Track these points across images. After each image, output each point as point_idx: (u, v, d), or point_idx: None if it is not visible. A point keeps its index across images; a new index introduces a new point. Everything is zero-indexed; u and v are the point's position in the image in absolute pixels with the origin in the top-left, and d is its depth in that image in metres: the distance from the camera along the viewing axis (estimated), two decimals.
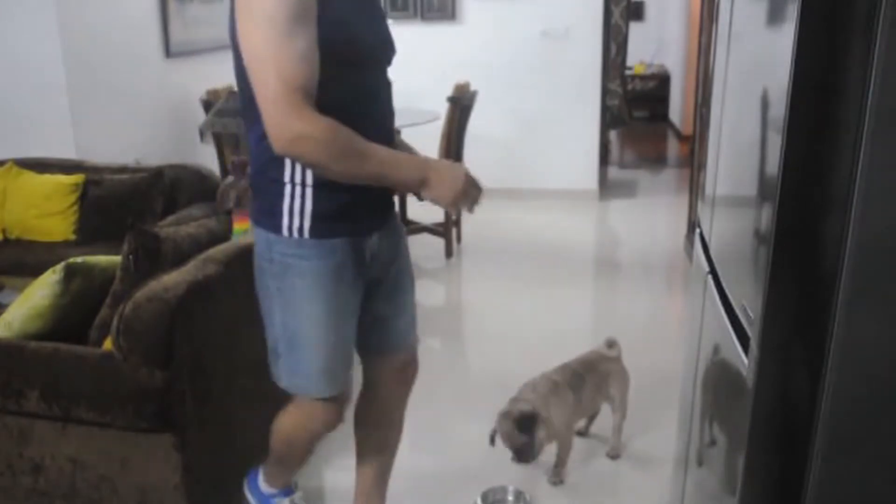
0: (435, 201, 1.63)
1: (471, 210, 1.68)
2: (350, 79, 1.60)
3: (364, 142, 1.54)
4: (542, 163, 6.09)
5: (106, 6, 4.35)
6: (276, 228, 1.66)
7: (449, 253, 4.80)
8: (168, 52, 4.86)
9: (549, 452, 2.48)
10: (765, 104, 1.27)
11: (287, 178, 1.64)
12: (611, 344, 2.65)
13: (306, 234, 1.65)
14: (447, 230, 4.76)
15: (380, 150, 1.57)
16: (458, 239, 5.01)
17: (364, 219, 1.74)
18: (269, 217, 1.68)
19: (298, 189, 1.64)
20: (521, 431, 2.24)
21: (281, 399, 2.55)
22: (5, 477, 2.19)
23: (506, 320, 3.93)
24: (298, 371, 1.78)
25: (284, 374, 1.81)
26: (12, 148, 3.84)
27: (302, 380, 1.79)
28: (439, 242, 4.79)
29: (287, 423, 1.93)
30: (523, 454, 2.27)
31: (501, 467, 2.41)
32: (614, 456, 2.64)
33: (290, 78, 1.46)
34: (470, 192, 1.64)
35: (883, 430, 1.14)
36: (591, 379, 2.53)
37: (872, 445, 1.15)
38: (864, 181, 1.05)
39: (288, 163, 1.62)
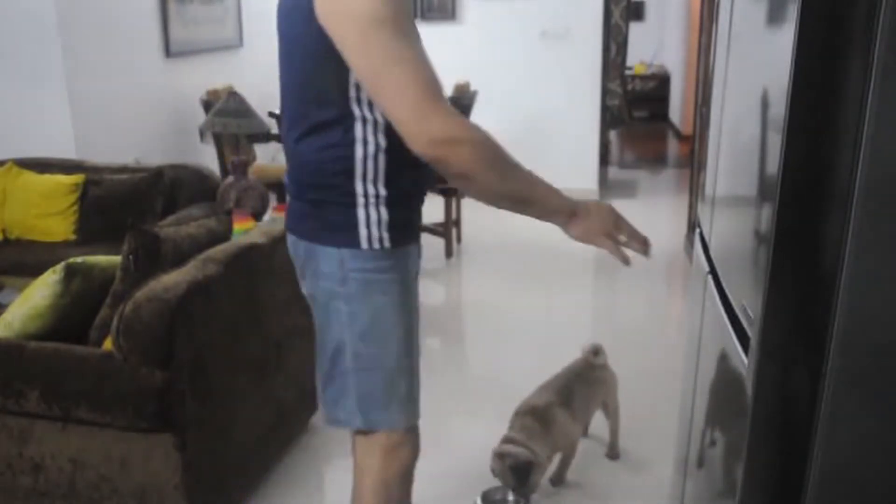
0: (585, 236, 1.51)
1: (646, 253, 1.53)
2: None
3: (512, 156, 1.43)
4: (541, 163, 6.04)
5: (106, 6, 4.36)
6: (353, 242, 1.51)
7: (449, 253, 4.80)
8: (168, 52, 4.86)
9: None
10: (765, 104, 1.27)
11: (360, 189, 1.50)
12: (596, 351, 2.60)
13: (387, 243, 1.52)
14: (447, 230, 4.76)
15: (528, 170, 1.45)
16: (458, 239, 5.01)
17: (417, 225, 1.66)
18: (341, 232, 1.51)
19: (373, 199, 1.51)
20: (516, 478, 2.23)
21: (281, 400, 2.55)
22: (5, 477, 2.19)
23: (506, 320, 3.93)
24: (374, 404, 1.59)
25: (360, 412, 1.60)
26: (12, 148, 3.84)
27: (385, 413, 1.60)
28: (439, 242, 4.79)
29: (374, 482, 1.67)
30: (518, 491, 2.26)
31: None
32: (613, 456, 2.64)
33: (426, 79, 1.36)
34: (621, 226, 1.52)
35: (883, 430, 1.14)
36: (581, 389, 2.49)
37: (872, 446, 1.15)
38: (864, 181, 1.05)
39: (359, 172, 1.49)
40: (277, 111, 4.76)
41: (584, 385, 2.51)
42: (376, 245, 1.51)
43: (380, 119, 1.46)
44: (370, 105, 1.45)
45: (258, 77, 5.73)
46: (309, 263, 1.57)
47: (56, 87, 4.06)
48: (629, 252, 1.57)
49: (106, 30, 4.36)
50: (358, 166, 1.49)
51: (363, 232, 1.50)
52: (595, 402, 2.57)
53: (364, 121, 1.47)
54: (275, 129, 4.68)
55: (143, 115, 4.71)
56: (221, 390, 2.22)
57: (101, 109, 4.33)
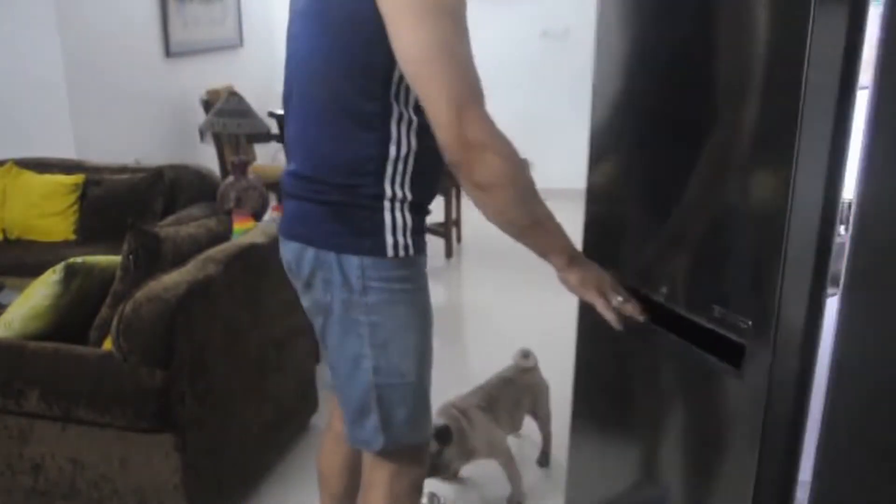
0: (580, 285, 1.47)
1: (640, 315, 1.48)
2: None
3: (534, 183, 1.37)
4: (541, 162, 6.07)
5: (106, 6, 4.36)
6: (378, 250, 1.41)
7: (449, 253, 4.80)
8: (168, 52, 4.86)
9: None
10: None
11: (388, 192, 1.41)
12: (526, 354, 2.55)
13: (412, 251, 1.44)
14: (447, 230, 4.76)
15: (543, 202, 1.39)
16: (458, 239, 5.01)
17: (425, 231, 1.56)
18: (365, 238, 1.41)
19: (398, 203, 1.42)
20: (436, 439, 2.13)
21: (281, 400, 2.55)
22: (5, 477, 2.19)
23: (505, 320, 3.93)
24: (398, 420, 1.51)
25: (381, 432, 1.51)
26: (12, 148, 3.84)
27: (403, 430, 1.52)
28: (439, 242, 4.79)
29: (382, 497, 1.59)
30: (435, 467, 2.14)
31: (492, 468, 2.41)
32: (543, 463, 2.58)
33: (473, 79, 1.29)
34: (618, 290, 1.48)
35: (882, 430, 1.14)
36: (508, 394, 2.43)
37: (871, 445, 1.15)
38: (864, 181, 1.05)
39: (389, 174, 1.40)
40: (277, 111, 4.76)
41: (511, 389, 2.44)
42: (402, 252, 1.42)
43: (414, 118, 1.38)
44: (408, 101, 1.37)
45: (258, 77, 5.73)
46: (319, 273, 1.46)
47: (56, 87, 4.06)
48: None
49: (106, 30, 4.36)
50: (389, 167, 1.40)
51: (389, 239, 1.42)
52: (522, 407, 2.50)
53: (400, 118, 1.38)
54: (275, 129, 4.67)
55: (143, 115, 4.71)
56: (221, 390, 2.22)
57: (101, 109, 4.33)
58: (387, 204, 1.41)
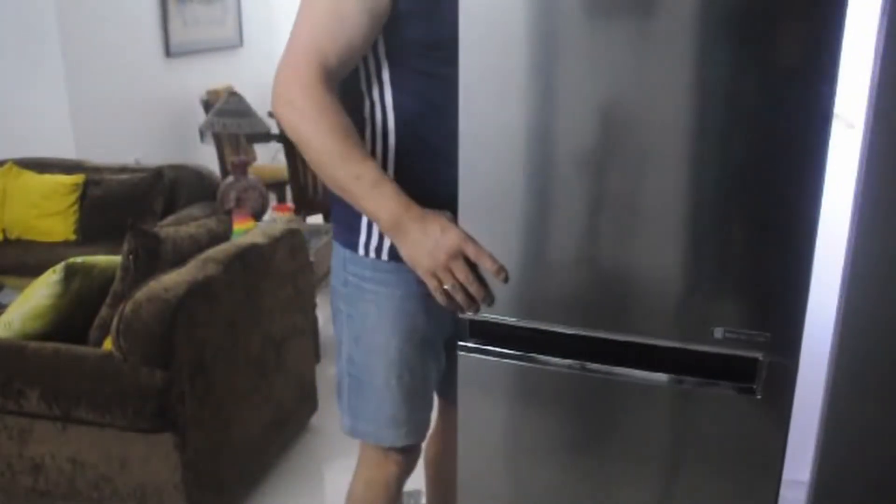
0: (409, 261, 1.31)
1: (486, 302, 1.30)
2: (423, 78, 1.34)
3: (355, 146, 1.27)
4: None
5: (106, 6, 4.36)
6: (353, 245, 1.42)
7: None
8: (168, 52, 4.86)
9: None
10: None
11: None
12: None
13: (384, 255, 1.39)
14: None
15: (365, 164, 1.27)
16: None
17: None
18: (346, 232, 1.44)
19: None
20: None
21: (281, 400, 2.55)
22: (5, 477, 2.19)
23: None
24: (362, 414, 1.51)
25: (348, 416, 1.54)
26: (12, 148, 3.84)
27: (366, 425, 1.51)
28: None
29: (355, 485, 1.62)
30: None
31: None
32: None
33: (319, 38, 1.25)
34: (458, 266, 1.27)
35: (882, 430, 1.14)
36: None
37: (871, 445, 1.15)
38: (864, 184, 1.05)
39: None
40: None
41: None
42: (372, 253, 1.40)
43: (391, 114, 1.35)
44: (382, 94, 1.34)
45: (258, 77, 5.72)
46: (333, 258, 1.53)
47: (56, 88, 4.06)
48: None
49: (106, 30, 4.36)
50: None
51: (362, 237, 1.41)
52: None
53: (373, 109, 1.35)
54: (275, 129, 4.68)
55: (143, 115, 4.71)
56: (221, 390, 2.22)
57: (101, 109, 4.33)
58: None
